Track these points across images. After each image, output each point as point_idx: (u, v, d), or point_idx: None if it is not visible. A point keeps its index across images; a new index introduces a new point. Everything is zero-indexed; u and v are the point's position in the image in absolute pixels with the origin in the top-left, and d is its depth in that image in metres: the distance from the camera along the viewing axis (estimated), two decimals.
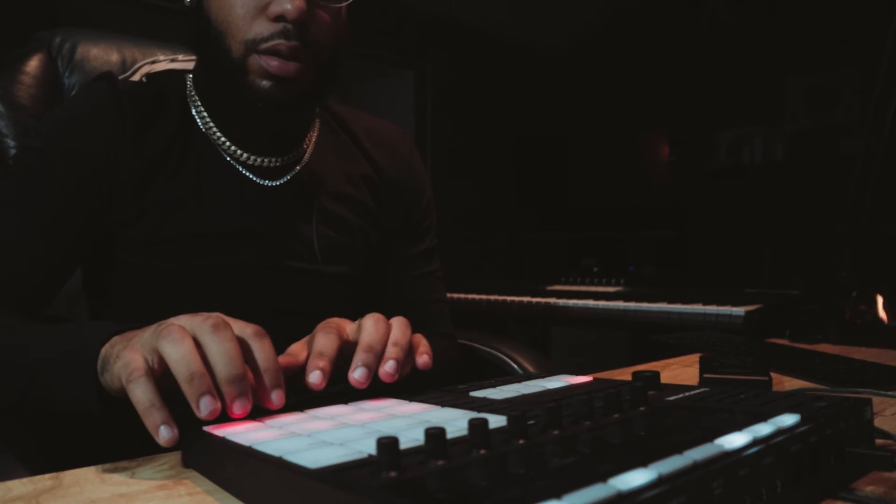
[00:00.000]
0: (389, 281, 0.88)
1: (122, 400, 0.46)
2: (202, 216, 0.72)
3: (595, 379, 0.58)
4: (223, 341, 0.44)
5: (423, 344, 0.58)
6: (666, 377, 0.78)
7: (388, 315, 0.89)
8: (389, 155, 0.87)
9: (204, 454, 0.43)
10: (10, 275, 0.66)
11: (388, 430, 0.40)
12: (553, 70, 3.48)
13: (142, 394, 0.42)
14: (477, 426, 0.33)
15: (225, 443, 0.40)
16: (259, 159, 0.76)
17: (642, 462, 0.29)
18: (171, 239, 0.71)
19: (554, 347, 2.70)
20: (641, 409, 0.42)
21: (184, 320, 0.46)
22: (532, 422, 0.37)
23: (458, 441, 0.35)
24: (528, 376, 0.60)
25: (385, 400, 0.52)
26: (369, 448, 0.35)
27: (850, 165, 1.16)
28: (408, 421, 0.43)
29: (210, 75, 0.74)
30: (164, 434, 0.42)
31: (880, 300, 1.12)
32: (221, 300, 0.73)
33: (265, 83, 0.67)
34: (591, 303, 2.23)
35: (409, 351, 0.55)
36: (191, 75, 0.78)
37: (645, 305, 2.10)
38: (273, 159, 0.77)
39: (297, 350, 0.57)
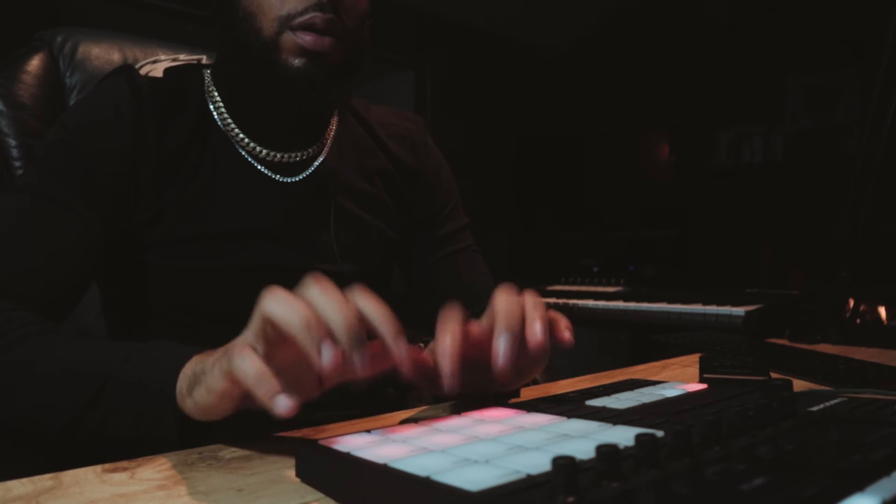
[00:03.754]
0: (427, 268, 0.88)
1: (198, 423, 0.45)
2: (219, 215, 0.71)
3: (709, 386, 0.54)
4: (328, 290, 0.40)
5: (562, 319, 0.53)
6: (666, 377, 0.78)
7: (432, 302, 0.83)
8: (406, 145, 0.87)
9: (324, 470, 0.39)
10: (41, 267, 0.63)
11: (527, 444, 0.37)
12: (553, 70, 3.48)
13: (249, 365, 0.39)
14: (646, 442, 0.30)
15: (351, 459, 0.36)
16: (277, 155, 0.75)
17: (855, 485, 0.26)
18: (187, 238, 0.70)
19: (553, 347, 2.70)
20: (790, 421, 0.39)
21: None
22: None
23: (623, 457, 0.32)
24: (638, 383, 0.58)
25: (496, 410, 0.48)
26: (521, 466, 0.33)
27: (850, 165, 1.16)
28: (544, 434, 0.39)
29: (236, 62, 0.73)
30: (282, 403, 0.37)
31: (881, 306, 1.12)
32: (239, 300, 0.72)
33: (298, 61, 0.66)
34: (591, 303, 2.23)
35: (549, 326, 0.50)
36: (208, 70, 0.77)
37: (645, 305, 2.10)
38: (291, 155, 0.76)
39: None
